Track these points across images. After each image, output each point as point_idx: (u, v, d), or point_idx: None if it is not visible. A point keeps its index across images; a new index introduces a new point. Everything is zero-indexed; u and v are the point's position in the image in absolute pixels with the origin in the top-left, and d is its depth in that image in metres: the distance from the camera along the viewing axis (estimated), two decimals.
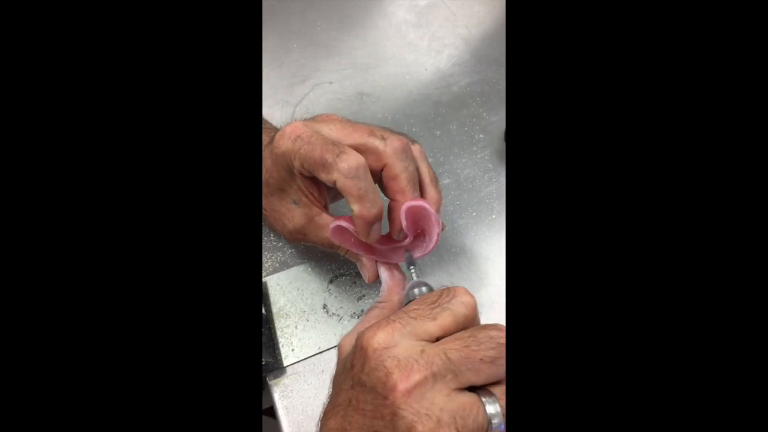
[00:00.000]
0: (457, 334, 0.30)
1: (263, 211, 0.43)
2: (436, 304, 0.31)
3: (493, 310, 0.48)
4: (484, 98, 0.62)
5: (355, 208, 0.36)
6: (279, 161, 0.39)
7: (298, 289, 0.48)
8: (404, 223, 0.38)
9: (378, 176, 0.39)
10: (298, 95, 0.62)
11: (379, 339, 0.29)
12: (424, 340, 0.30)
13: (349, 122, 0.40)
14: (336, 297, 0.48)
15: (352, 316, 0.47)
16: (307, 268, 0.49)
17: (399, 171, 0.37)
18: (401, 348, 0.29)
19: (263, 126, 0.48)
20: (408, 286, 0.37)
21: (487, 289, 0.49)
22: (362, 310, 0.47)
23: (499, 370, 0.29)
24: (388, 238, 0.42)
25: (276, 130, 0.46)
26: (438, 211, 0.41)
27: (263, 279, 0.48)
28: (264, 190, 0.41)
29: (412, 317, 0.30)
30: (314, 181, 0.39)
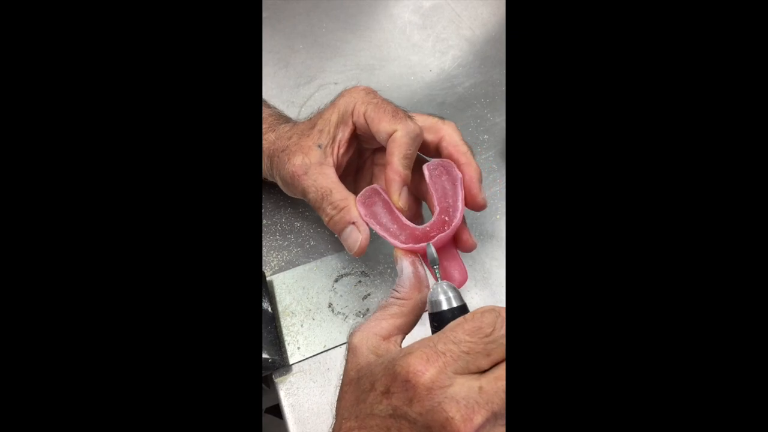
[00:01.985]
0: (502, 374, 0.28)
1: (285, 149, 0.43)
2: (490, 339, 0.29)
3: None
4: (488, 99, 0.62)
5: (397, 163, 0.39)
6: (340, 105, 0.42)
7: (303, 288, 0.48)
8: (427, 173, 0.40)
9: (434, 150, 0.43)
10: (304, 96, 0.62)
11: (432, 376, 0.28)
12: (475, 373, 0.28)
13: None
14: (341, 296, 0.48)
15: (357, 315, 0.47)
16: (312, 267, 0.49)
17: (458, 139, 0.42)
18: (458, 387, 0.27)
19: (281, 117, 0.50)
20: (433, 289, 0.35)
21: (491, 288, 0.49)
22: (368, 309, 0.47)
23: None
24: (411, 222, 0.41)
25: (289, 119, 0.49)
26: (480, 181, 0.41)
27: (269, 278, 0.49)
28: (305, 128, 0.43)
29: (464, 352, 0.28)
30: (351, 143, 0.43)
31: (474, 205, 0.41)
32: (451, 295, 0.34)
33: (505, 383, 0.27)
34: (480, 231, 0.53)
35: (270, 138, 0.46)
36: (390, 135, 0.39)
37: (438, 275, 0.36)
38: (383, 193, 0.41)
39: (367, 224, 0.40)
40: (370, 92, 0.42)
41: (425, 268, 0.39)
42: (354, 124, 0.42)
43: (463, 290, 0.48)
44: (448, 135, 0.42)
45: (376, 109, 0.40)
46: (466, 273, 0.41)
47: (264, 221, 0.52)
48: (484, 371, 0.28)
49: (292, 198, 0.53)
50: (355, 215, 0.40)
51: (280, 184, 0.45)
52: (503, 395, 0.27)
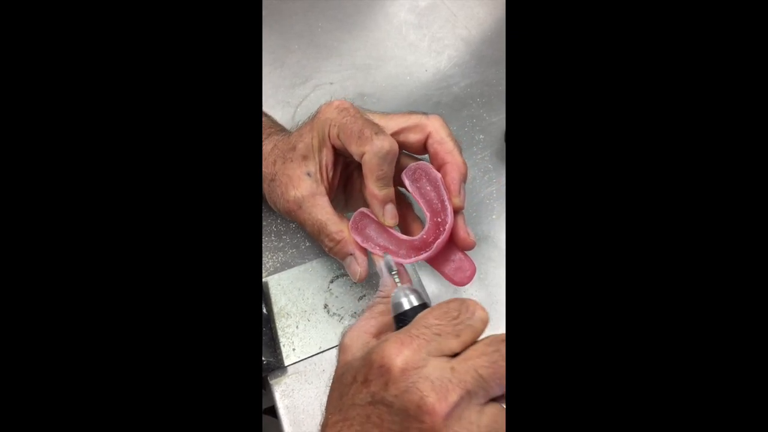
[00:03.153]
0: (480, 349, 0.29)
1: (273, 177, 0.43)
2: (458, 321, 0.30)
3: (495, 310, 0.48)
4: (484, 99, 0.62)
5: (372, 185, 0.39)
6: (317, 127, 0.41)
7: (299, 289, 0.48)
8: (407, 182, 0.41)
9: (421, 148, 0.42)
10: (299, 96, 0.62)
11: (406, 358, 0.29)
12: (448, 356, 0.29)
13: (387, 114, 0.43)
14: (337, 297, 0.48)
15: (352, 316, 0.47)
16: (308, 268, 0.49)
17: (444, 135, 0.41)
18: (431, 368, 0.28)
19: (276, 127, 0.49)
20: (395, 293, 0.36)
21: (488, 289, 0.49)
22: (363, 310, 0.47)
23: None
24: (401, 237, 0.42)
25: (284, 129, 0.48)
26: (464, 179, 0.41)
27: (264, 279, 0.49)
28: (288, 155, 0.43)
29: (435, 333, 0.30)
30: (336, 161, 0.43)
31: (457, 202, 0.40)
32: (412, 296, 0.35)
33: (481, 367, 0.28)
34: (476, 231, 0.52)
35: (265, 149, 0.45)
36: (361, 157, 0.39)
37: (397, 281, 0.37)
38: (371, 215, 0.41)
39: (367, 249, 0.41)
40: (343, 109, 0.41)
41: (405, 269, 0.40)
42: (333, 145, 0.42)
43: (460, 291, 0.48)
44: (435, 131, 0.41)
45: (344, 131, 0.40)
46: (474, 266, 0.42)
47: None
48: (456, 355, 0.29)
49: None
50: (352, 247, 0.41)
51: (276, 209, 0.45)
52: (475, 374, 0.28)
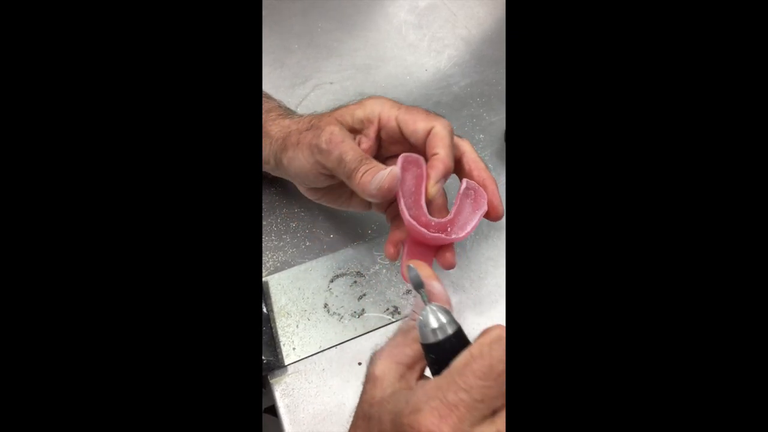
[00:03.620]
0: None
1: (309, 126, 0.43)
2: (504, 378, 0.25)
3: (495, 309, 0.48)
4: (484, 99, 0.62)
5: (443, 152, 0.40)
6: (367, 105, 0.43)
7: (299, 289, 0.48)
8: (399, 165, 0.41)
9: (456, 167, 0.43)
10: (299, 96, 0.62)
11: None
12: (489, 416, 0.26)
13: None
14: (337, 296, 0.48)
15: (352, 315, 0.47)
16: (308, 267, 0.49)
17: (477, 156, 0.44)
18: None
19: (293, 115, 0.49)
20: (423, 316, 0.30)
21: (488, 288, 0.49)
22: (363, 309, 0.47)
23: None
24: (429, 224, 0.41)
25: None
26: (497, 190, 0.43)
27: (264, 278, 0.49)
28: (333, 115, 0.43)
29: (478, 400, 0.25)
30: (374, 138, 0.43)
31: (497, 217, 0.42)
32: (444, 320, 0.30)
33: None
34: (476, 231, 0.52)
35: (284, 123, 0.45)
36: (428, 132, 0.41)
37: (425, 299, 0.32)
38: (423, 168, 0.41)
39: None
40: (395, 102, 0.43)
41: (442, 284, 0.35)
42: (380, 127, 0.43)
43: (459, 290, 0.49)
44: (468, 152, 0.43)
45: (408, 112, 0.42)
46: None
47: None
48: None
49: (288, 198, 0.53)
50: (379, 165, 0.40)
51: (299, 156, 0.42)
52: None
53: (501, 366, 0.25)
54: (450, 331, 0.29)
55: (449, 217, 0.41)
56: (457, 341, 0.29)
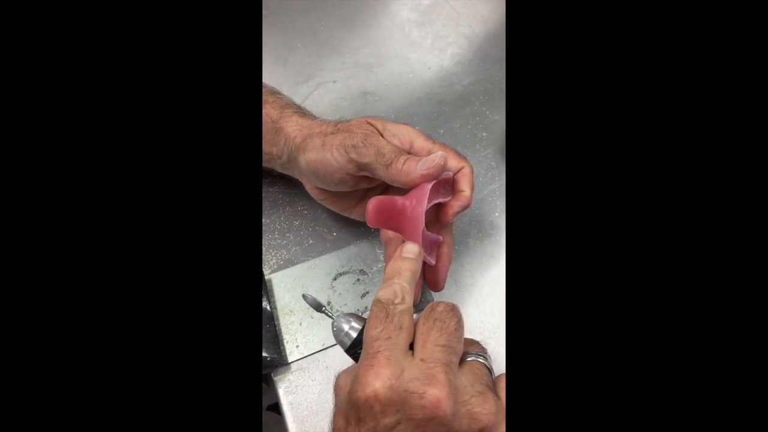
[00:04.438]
0: (424, 328, 0.32)
1: (339, 128, 0.44)
2: (390, 315, 0.33)
3: (496, 306, 0.48)
4: (487, 97, 0.62)
5: (468, 192, 0.43)
6: (401, 133, 0.44)
7: (302, 287, 0.48)
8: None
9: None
10: (302, 94, 0.62)
11: (383, 378, 0.30)
12: (408, 350, 0.32)
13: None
14: (340, 294, 0.48)
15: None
16: (311, 265, 0.50)
17: (469, 171, 0.44)
18: (408, 370, 0.30)
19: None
20: (336, 327, 0.37)
21: (490, 286, 0.49)
22: (366, 307, 0.47)
23: (462, 331, 0.33)
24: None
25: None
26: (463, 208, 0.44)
27: (268, 276, 0.49)
28: (353, 123, 0.44)
29: (386, 338, 0.32)
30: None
31: (434, 288, 0.44)
32: (352, 322, 0.36)
33: (432, 339, 0.31)
34: (479, 228, 0.53)
35: (302, 122, 0.46)
36: (458, 170, 0.43)
37: (329, 314, 0.39)
38: (449, 192, 0.44)
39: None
40: (428, 137, 0.44)
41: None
42: (410, 152, 0.43)
43: (461, 287, 0.49)
44: (465, 167, 0.44)
45: (442, 149, 0.43)
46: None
47: (263, 220, 0.52)
48: (411, 344, 0.32)
49: (291, 197, 0.53)
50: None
51: (322, 157, 0.42)
52: (439, 348, 0.31)
53: (382, 313, 0.33)
54: (359, 326, 0.36)
55: (437, 237, 0.43)
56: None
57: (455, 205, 0.42)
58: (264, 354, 0.43)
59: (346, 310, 0.47)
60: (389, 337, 0.31)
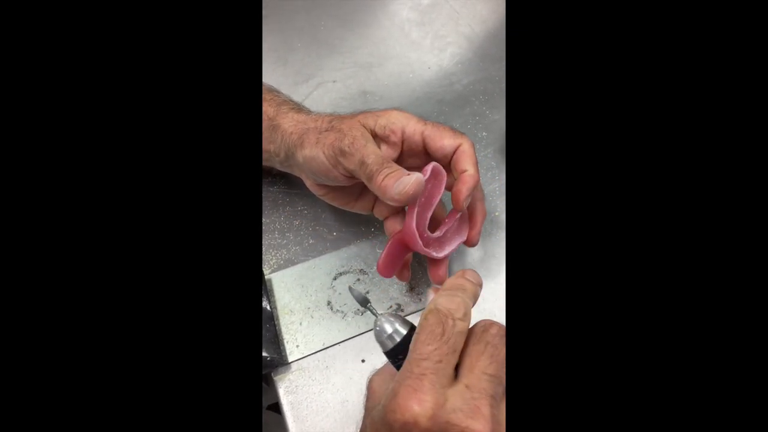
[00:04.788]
0: (474, 351, 0.30)
1: (330, 128, 0.43)
2: (447, 335, 0.29)
3: (497, 306, 0.48)
4: (487, 96, 0.62)
5: (472, 168, 0.42)
6: (391, 116, 0.44)
7: (302, 286, 0.48)
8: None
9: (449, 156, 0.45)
10: (302, 94, 0.62)
11: (426, 404, 0.28)
12: (454, 376, 0.30)
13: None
14: (340, 294, 0.48)
15: (356, 313, 0.47)
16: (311, 265, 0.50)
17: (468, 146, 0.44)
18: (453, 398, 0.28)
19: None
20: (378, 326, 0.33)
21: (490, 285, 0.49)
22: None
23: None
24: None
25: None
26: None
27: (268, 276, 0.49)
28: (347, 119, 0.44)
29: (437, 362, 0.29)
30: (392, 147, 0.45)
31: (471, 244, 0.45)
32: (397, 324, 0.33)
33: (481, 367, 0.29)
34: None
35: (298, 117, 0.46)
36: (455, 148, 0.43)
37: (374, 312, 0.36)
38: (443, 182, 0.42)
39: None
40: (420, 118, 0.44)
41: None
42: (403, 139, 0.43)
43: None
44: (464, 145, 0.43)
45: (435, 128, 0.43)
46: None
47: (263, 219, 0.52)
48: (456, 369, 0.30)
49: (291, 196, 0.53)
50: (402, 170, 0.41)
51: (317, 154, 0.43)
52: (487, 377, 0.29)
53: (439, 328, 0.29)
54: (404, 331, 0.33)
55: (439, 234, 0.43)
56: (411, 334, 0.32)
57: (462, 188, 0.41)
58: (264, 354, 0.43)
59: (346, 309, 0.47)
60: (440, 361, 0.29)
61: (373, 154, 0.41)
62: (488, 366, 0.29)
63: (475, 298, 0.34)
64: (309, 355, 0.45)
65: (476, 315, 0.47)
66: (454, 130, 0.43)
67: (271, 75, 0.64)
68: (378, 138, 0.44)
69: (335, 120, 0.44)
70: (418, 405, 0.27)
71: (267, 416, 0.57)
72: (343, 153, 0.41)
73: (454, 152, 0.43)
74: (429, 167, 0.41)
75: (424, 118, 0.44)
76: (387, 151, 0.44)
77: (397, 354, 0.32)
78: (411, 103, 0.62)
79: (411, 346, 0.30)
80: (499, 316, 0.48)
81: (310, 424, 0.42)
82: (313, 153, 0.42)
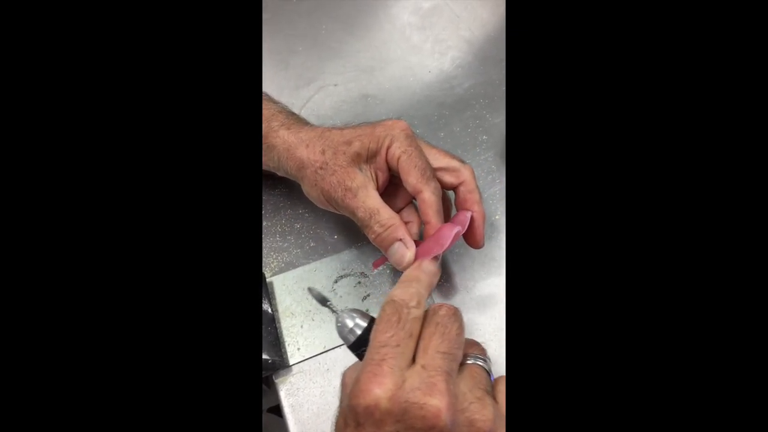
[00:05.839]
0: (427, 333, 0.32)
1: (323, 165, 0.44)
2: (402, 321, 0.32)
3: (497, 309, 0.48)
4: (487, 100, 0.62)
5: (434, 219, 0.42)
6: (380, 135, 0.43)
7: (303, 289, 0.48)
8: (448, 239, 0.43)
9: (448, 189, 0.46)
10: (303, 97, 0.62)
11: (385, 386, 0.30)
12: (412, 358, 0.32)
13: (429, 144, 0.46)
14: (341, 297, 0.48)
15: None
16: (312, 268, 0.50)
17: (474, 186, 0.45)
18: (411, 379, 0.30)
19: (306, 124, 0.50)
20: (340, 322, 0.36)
21: (490, 289, 0.49)
22: (367, 309, 0.47)
23: (463, 337, 0.33)
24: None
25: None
26: (483, 225, 0.46)
27: (269, 279, 0.49)
28: (341, 147, 0.44)
29: (395, 346, 0.31)
30: (386, 170, 0.45)
31: (476, 244, 0.46)
32: (357, 319, 0.35)
33: (434, 346, 0.31)
34: None
35: (289, 139, 0.46)
36: (417, 193, 0.42)
37: (333, 309, 0.39)
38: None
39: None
40: (409, 136, 0.44)
41: None
42: (387, 159, 0.44)
43: (462, 290, 0.49)
44: (468, 181, 0.45)
45: (409, 162, 0.42)
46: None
47: (264, 223, 0.53)
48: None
49: (292, 200, 0.54)
50: (402, 233, 0.43)
51: (317, 196, 0.45)
52: (440, 355, 0.31)
53: (395, 317, 0.32)
54: (364, 324, 0.35)
55: (429, 243, 0.43)
56: (371, 326, 0.34)
57: (477, 233, 0.44)
58: (265, 356, 0.43)
59: None
60: (398, 345, 0.31)
61: (362, 207, 0.43)
62: (440, 344, 0.31)
63: (429, 288, 0.37)
64: (310, 357, 0.45)
65: (476, 318, 0.47)
66: (425, 171, 0.43)
67: (272, 78, 0.64)
68: (374, 156, 0.44)
69: (327, 149, 0.44)
70: (379, 387, 0.29)
71: (267, 419, 0.57)
72: (336, 202, 0.44)
73: (458, 188, 0.44)
74: (451, 233, 0.41)
75: (415, 133, 0.44)
76: (380, 176, 0.44)
77: (360, 346, 0.35)
78: (412, 106, 0.62)
79: (371, 335, 0.32)
80: (500, 319, 0.48)
81: (311, 426, 0.42)
82: (313, 193, 0.45)
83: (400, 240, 0.42)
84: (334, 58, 0.66)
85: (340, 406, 0.33)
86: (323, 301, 0.39)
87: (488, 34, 0.70)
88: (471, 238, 0.46)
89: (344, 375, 0.34)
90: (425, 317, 0.33)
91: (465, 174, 0.45)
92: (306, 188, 0.46)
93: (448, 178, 0.45)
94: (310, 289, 0.39)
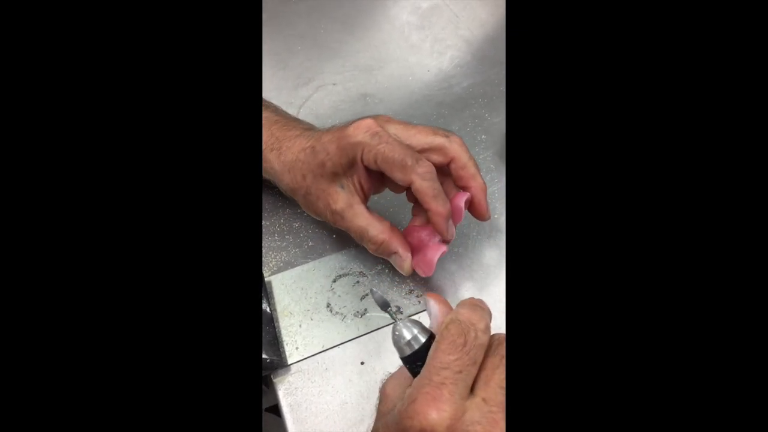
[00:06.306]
0: (490, 365, 0.30)
1: (308, 191, 0.45)
2: (468, 346, 0.29)
3: (496, 309, 0.48)
4: (486, 99, 0.62)
5: (434, 205, 0.41)
6: (347, 149, 0.41)
7: (302, 289, 0.48)
8: (463, 210, 0.43)
9: (440, 169, 0.43)
10: (302, 97, 0.62)
11: (444, 413, 0.28)
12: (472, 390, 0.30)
13: (408, 124, 0.43)
14: (339, 296, 0.48)
15: (355, 315, 0.47)
16: (311, 267, 0.50)
17: (466, 160, 0.43)
18: (471, 411, 0.28)
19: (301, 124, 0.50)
20: (398, 331, 0.33)
21: (489, 289, 0.49)
22: (366, 309, 0.47)
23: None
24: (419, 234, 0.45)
25: (313, 127, 0.49)
26: (485, 196, 0.45)
27: (267, 278, 0.49)
28: (318, 171, 0.43)
29: (457, 372, 0.29)
30: (369, 173, 0.43)
31: (481, 217, 0.45)
32: (416, 330, 0.33)
33: (496, 380, 0.29)
34: (478, 230, 0.53)
35: (273, 162, 0.47)
36: (409, 185, 0.41)
37: (393, 316, 0.35)
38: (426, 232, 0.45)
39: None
40: (375, 134, 0.41)
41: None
42: (365, 166, 0.42)
43: (460, 290, 0.49)
44: (458, 156, 0.43)
45: (385, 160, 0.40)
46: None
47: (263, 222, 0.53)
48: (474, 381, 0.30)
49: (290, 199, 0.54)
50: (395, 245, 0.43)
51: (314, 216, 0.47)
52: (502, 391, 0.29)
53: (461, 339, 0.29)
54: (423, 338, 0.32)
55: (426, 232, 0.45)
56: (430, 342, 0.32)
57: (480, 207, 0.44)
58: (264, 356, 0.43)
59: (345, 311, 0.47)
60: (460, 371, 0.29)
61: (352, 228, 0.44)
62: (504, 380, 0.29)
63: (490, 318, 0.33)
64: (308, 357, 0.45)
65: None
66: (405, 161, 0.40)
67: (271, 78, 0.64)
68: (347, 175, 0.43)
69: (307, 174, 0.44)
70: (437, 413, 0.27)
71: (266, 418, 0.57)
72: (331, 223, 0.45)
73: (451, 166, 0.43)
74: (436, 255, 0.43)
75: (410, 122, 0.43)
76: (364, 184, 0.44)
77: (415, 360, 0.32)
78: (410, 105, 0.62)
79: (431, 353, 0.30)
80: (500, 318, 0.48)
81: (310, 426, 0.42)
82: (309, 213, 0.47)
83: (395, 253, 0.43)
84: (333, 57, 0.66)
85: (381, 419, 0.31)
86: (385, 305, 0.36)
87: (487, 34, 0.70)
88: (476, 212, 0.45)
89: (385, 385, 0.33)
90: (491, 347, 0.31)
91: (453, 149, 0.42)
92: (303, 208, 0.48)
93: (436, 158, 0.42)
94: (372, 291, 0.37)
